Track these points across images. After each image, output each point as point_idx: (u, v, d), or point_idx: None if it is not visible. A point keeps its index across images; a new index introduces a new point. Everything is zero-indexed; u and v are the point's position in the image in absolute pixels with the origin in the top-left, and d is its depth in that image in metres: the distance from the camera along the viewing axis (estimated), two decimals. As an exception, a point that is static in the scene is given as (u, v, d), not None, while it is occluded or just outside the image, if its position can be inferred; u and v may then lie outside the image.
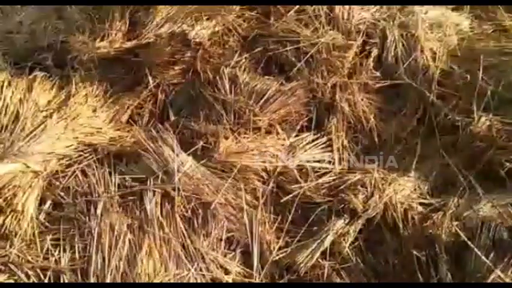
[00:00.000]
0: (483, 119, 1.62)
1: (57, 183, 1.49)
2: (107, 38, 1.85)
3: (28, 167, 1.44)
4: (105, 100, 1.75)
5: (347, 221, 1.46)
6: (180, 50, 1.86)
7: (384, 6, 1.99)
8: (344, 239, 1.43)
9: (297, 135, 1.73)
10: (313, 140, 1.72)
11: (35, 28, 1.87)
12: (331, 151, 1.71)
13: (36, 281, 1.32)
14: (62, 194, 1.47)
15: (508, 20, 1.91)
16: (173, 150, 1.54)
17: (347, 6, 1.95)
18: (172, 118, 1.75)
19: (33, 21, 1.88)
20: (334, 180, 1.61)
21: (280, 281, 1.39)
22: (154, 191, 1.48)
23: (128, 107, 1.78)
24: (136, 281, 1.31)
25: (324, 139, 1.73)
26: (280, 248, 1.43)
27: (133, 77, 1.83)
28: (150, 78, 1.81)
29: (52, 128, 1.54)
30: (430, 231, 1.39)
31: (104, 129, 1.66)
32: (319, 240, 1.41)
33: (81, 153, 1.57)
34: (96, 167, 1.54)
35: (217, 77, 1.78)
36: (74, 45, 1.82)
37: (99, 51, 1.82)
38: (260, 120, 1.70)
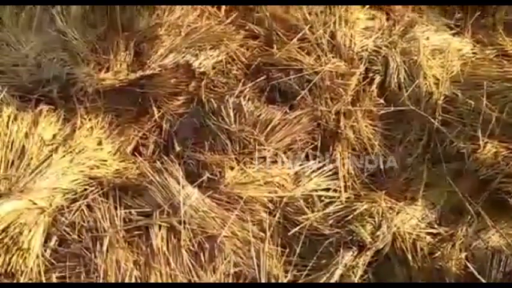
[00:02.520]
0: (489, 146, 1.62)
1: (63, 219, 1.48)
2: (111, 69, 1.87)
3: (34, 203, 1.43)
4: (110, 132, 1.76)
5: (355, 253, 1.45)
6: (184, 80, 1.88)
7: (385, 33, 2.00)
8: (353, 272, 1.41)
9: (302, 164, 1.73)
10: (318, 168, 1.72)
11: (40, 60, 1.87)
12: (337, 179, 1.71)
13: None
14: (68, 229, 1.46)
15: (510, 45, 1.92)
16: (179, 183, 1.54)
17: (349, 34, 1.97)
18: (177, 149, 1.75)
19: (38, 53, 1.89)
20: (341, 209, 1.60)
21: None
22: (160, 225, 1.47)
23: (133, 138, 1.78)
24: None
25: (330, 167, 1.73)
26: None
27: (138, 108, 1.84)
28: (154, 109, 1.82)
29: (58, 162, 1.54)
30: (440, 263, 1.38)
31: (109, 161, 1.66)
32: (328, 274, 1.39)
33: (87, 187, 1.57)
34: (102, 201, 1.53)
35: (222, 107, 1.78)
36: (79, 77, 1.84)
37: (104, 83, 1.83)
38: (265, 149, 1.70)
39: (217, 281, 1.37)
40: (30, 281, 1.35)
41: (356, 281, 1.40)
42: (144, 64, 1.88)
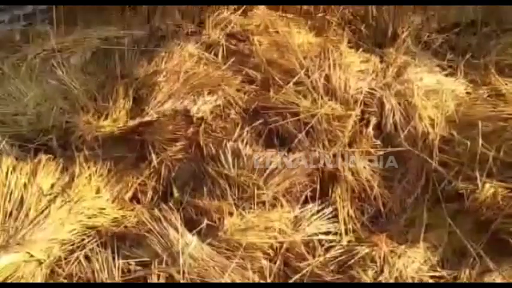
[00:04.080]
0: (487, 185, 1.62)
1: (60, 270, 1.46)
2: (110, 116, 1.90)
3: (32, 256, 1.42)
4: (109, 179, 1.76)
5: (358, 300, 1.42)
6: (183, 126, 1.89)
7: (380, 75, 2.04)
8: (356, 321, 1.38)
9: (301, 207, 1.72)
10: (318, 211, 1.72)
11: (40, 109, 1.91)
12: (337, 221, 1.70)
13: None
14: (65, 281, 1.44)
15: (503, 84, 1.95)
16: (177, 231, 1.53)
17: (343, 77, 2.01)
18: (176, 195, 1.74)
19: (38, 103, 1.93)
20: (342, 254, 1.58)
21: None
22: (159, 275, 1.45)
23: (132, 185, 1.78)
24: None
25: (330, 209, 1.72)
26: (290, 334, 1.38)
27: (137, 155, 1.85)
28: (153, 155, 1.83)
29: (56, 213, 1.53)
30: (444, 309, 1.35)
31: (107, 209, 1.66)
32: (330, 323, 1.36)
33: (84, 237, 1.56)
34: (100, 251, 1.51)
35: (220, 151, 1.79)
36: (78, 125, 1.86)
37: (103, 130, 1.85)
38: (264, 193, 1.70)
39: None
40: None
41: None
42: (143, 111, 1.91)
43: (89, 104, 1.93)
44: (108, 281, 1.44)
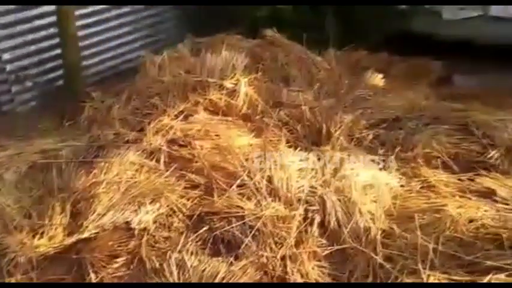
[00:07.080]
0: (432, 278, 1.65)
1: None
2: (46, 234, 1.80)
3: None
4: (42, 307, 1.62)
5: None
6: (124, 240, 1.83)
7: (319, 172, 2.11)
8: None
9: (253, 319, 1.65)
10: (270, 321, 1.65)
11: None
12: (291, 330, 1.64)
13: None
14: None
15: (432, 176, 2.08)
16: None
17: (285, 177, 2.06)
18: (118, 317, 1.63)
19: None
20: None
21: None
22: None
23: (68, 311, 1.65)
24: None
25: (282, 317, 1.67)
26: None
27: (75, 275, 1.74)
28: (92, 275, 1.73)
29: None
30: None
31: None
32: None
33: None
34: None
35: (164, 265, 1.73)
36: (10, 247, 1.75)
37: (38, 251, 1.75)
38: (212, 307, 1.63)
39: None
40: None
41: None
42: (81, 226, 1.83)
43: (23, 222, 1.83)
44: None
